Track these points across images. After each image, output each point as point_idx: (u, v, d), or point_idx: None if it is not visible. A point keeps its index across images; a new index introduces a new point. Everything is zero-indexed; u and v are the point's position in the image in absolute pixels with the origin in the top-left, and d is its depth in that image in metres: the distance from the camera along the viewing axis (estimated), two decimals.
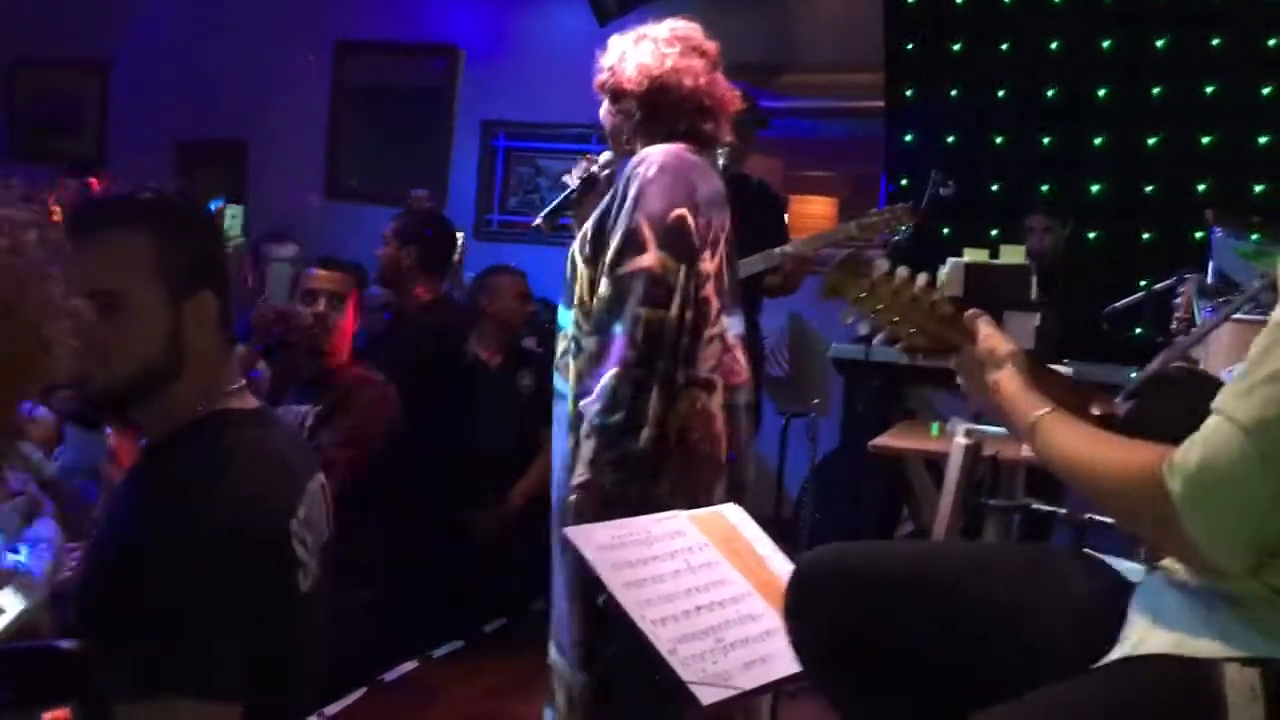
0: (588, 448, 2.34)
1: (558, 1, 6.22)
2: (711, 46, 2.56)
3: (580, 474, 2.35)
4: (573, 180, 2.71)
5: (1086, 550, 1.52)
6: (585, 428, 2.35)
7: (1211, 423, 1.21)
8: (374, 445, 3.44)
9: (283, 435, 1.69)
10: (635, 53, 2.51)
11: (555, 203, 2.73)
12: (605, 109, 2.58)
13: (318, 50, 6.80)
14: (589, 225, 2.49)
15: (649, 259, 2.34)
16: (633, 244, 2.35)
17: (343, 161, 6.91)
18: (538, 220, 2.69)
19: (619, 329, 2.33)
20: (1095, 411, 1.62)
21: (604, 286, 2.38)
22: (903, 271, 1.70)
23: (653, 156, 2.42)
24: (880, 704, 1.47)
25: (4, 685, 1.60)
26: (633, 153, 2.54)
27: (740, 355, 2.57)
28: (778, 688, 1.81)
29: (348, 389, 3.51)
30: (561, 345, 2.53)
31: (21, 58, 7.30)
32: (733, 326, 2.55)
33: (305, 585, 1.53)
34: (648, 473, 2.35)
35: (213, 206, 5.66)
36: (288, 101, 6.79)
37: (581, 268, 2.48)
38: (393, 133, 6.83)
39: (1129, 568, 1.43)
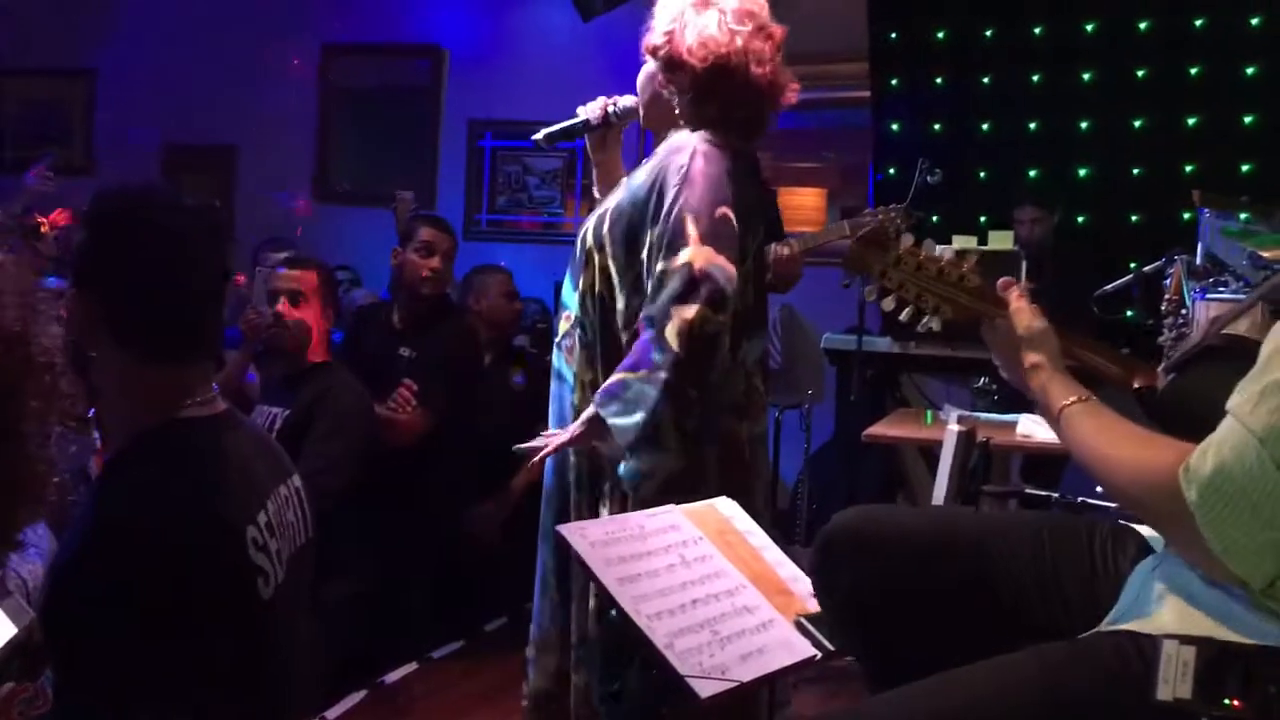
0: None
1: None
2: (778, 29, 2.32)
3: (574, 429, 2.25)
4: (591, 114, 2.51)
5: (1122, 521, 1.51)
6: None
7: (1226, 426, 1.17)
8: (354, 468, 3.35)
9: (248, 440, 1.64)
10: (698, 20, 2.25)
11: (564, 126, 2.55)
12: (649, 74, 2.36)
13: (304, 53, 6.78)
14: (610, 209, 2.33)
15: (691, 254, 2.15)
16: (678, 239, 2.16)
17: (331, 164, 6.89)
18: (539, 135, 2.54)
19: (648, 327, 2.15)
20: (1136, 384, 1.60)
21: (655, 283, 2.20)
22: (929, 244, 1.67)
23: (698, 148, 2.23)
24: (904, 662, 1.46)
25: None
26: (666, 126, 2.34)
27: (759, 383, 2.39)
28: (775, 679, 1.81)
29: (319, 395, 3.39)
30: (564, 326, 2.41)
31: (5, 68, 7.26)
32: (752, 351, 2.36)
33: (267, 592, 1.50)
34: (686, 487, 2.17)
35: None
36: (276, 105, 6.77)
37: (596, 255, 2.32)
38: (380, 134, 6.80)
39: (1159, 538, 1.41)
